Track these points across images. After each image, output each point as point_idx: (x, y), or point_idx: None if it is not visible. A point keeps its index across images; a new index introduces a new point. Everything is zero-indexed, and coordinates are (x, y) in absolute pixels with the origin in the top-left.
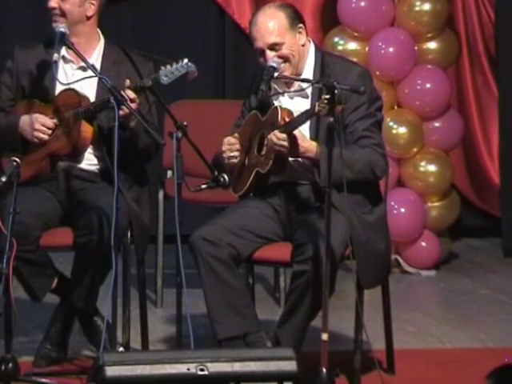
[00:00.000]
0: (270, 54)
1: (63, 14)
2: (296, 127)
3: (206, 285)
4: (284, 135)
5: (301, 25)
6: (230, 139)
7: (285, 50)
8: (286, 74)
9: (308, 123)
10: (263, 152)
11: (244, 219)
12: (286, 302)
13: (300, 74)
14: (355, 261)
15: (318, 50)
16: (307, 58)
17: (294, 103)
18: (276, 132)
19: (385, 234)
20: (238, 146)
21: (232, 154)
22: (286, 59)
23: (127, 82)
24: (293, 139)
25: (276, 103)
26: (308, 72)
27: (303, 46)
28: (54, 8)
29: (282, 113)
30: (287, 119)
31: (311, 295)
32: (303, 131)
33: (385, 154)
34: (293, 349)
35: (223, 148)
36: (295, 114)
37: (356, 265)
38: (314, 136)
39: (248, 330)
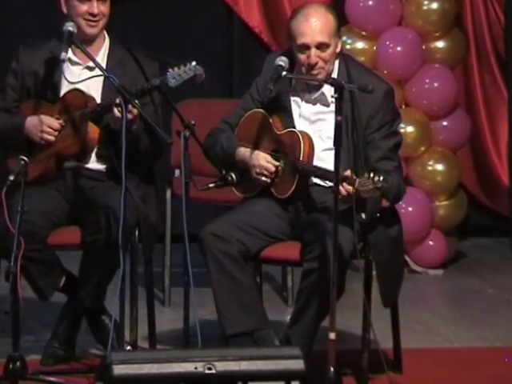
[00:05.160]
0: (315, 52)
1: (101, 18)
2: (313, 176)
3: (214, 281)
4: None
5: (341, 33)
6: (269, 165)
7: (328, 54)
8: (320, 77)
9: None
10: (280, 174)
11: (253, 217)
12: (296, 301)
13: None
14: (378, 281)
15: (343, 56)
16: (333, 67)
17: (315, 109)
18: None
19: (402, 246)
20: (272, 175)
21: (264, 180)
22: (325, 62)
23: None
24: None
25: (293, 104)
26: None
27: (338, 53)
28: (97, 14)
29: (305, 146)
30: (307, 157)
31: (321, 293)
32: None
33: (404, 179)
34: (304, 349)
35: (258, 170)
36: (315, 120)
37: (378, 284)
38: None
39: (256, 327)
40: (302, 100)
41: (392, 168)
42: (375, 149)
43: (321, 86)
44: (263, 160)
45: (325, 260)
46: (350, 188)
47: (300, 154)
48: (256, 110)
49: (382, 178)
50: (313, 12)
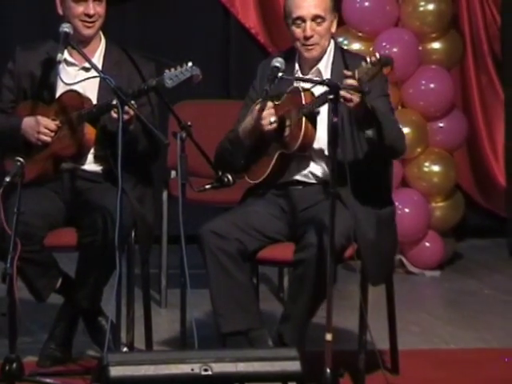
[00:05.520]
0: (310, 24)
1: (98, 19)
2: (325, 102)
3: (212, 278)
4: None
5: (336, 14)
6: (269, 103)
7: (323, 29)
8: (315, 53)
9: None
10: (286, 133)
11: (251, 217)
12: (287, 293)
13: (321, 59)
14: (362, 258)
15: (337, 43)
16: (328, 48)
17: (313, 89)
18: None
19: (393, 229)
20: (274, 112)
21: (274, 119)
22: (320, 37)
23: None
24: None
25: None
26: (326, 60)
27: (332, 35)
28: (93, 14)
29: (305, 93)
30: (309, 99)
31: (310, 285)
32: (322, 113)
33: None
34: (295, 344)
35: (262, 114)
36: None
37: (363, 262)
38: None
39: (251, 326)
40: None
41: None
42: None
43: (317, 63)
44: (266, 110)
45: (314, 251)
46: (352, 81)
47: (302, 99)
48: (256, 102)
49: (377, 55)
50: None
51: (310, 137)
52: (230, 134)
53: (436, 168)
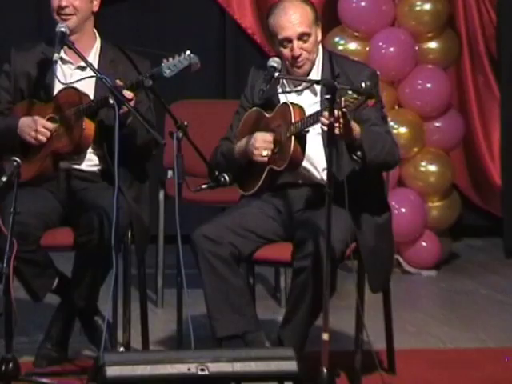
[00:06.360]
0: (297, 44)
1: (74, 12)
2: (315, 123)
3: (206, 283)
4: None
5: (319, 22)
6: (266, 136)
7: (310, 44)
8: (306, 67)
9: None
10: (276, 149)
11: (245, 219)
12: (287, 301)
13: (310, 71)
14: (363, 265)
15: (325, 49)
16: (316, 59)
17: (303, 99)
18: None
19: (391, 235)
20: (272, 146)
21: (266, 154)
22: (308, 53)
23: (117, 82)
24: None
25: (282, 99)
26: (316, 70)
27: (319, 43)
28: (65, 6)
29: (295, 110)
30: (299, 117)
31: (311, 292)
32: (315, 131)
33: (396, 143)
34: (295, 348)
35: (257, 144)
36: (306, 110)
37: (362, 267)
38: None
39: (247, 329)
40: (290, 93)
41: (383, 131)
42: (365, 120)
43: (307, 74)
44: (259, 136)
45: (315, 258)
46: (337, 112)
47: (291, 117)
48: (249, 111)
49: (362, 84)
50: (289, 5)
51: (299, 157)
52: (222, 145)
53: (432, 168)
